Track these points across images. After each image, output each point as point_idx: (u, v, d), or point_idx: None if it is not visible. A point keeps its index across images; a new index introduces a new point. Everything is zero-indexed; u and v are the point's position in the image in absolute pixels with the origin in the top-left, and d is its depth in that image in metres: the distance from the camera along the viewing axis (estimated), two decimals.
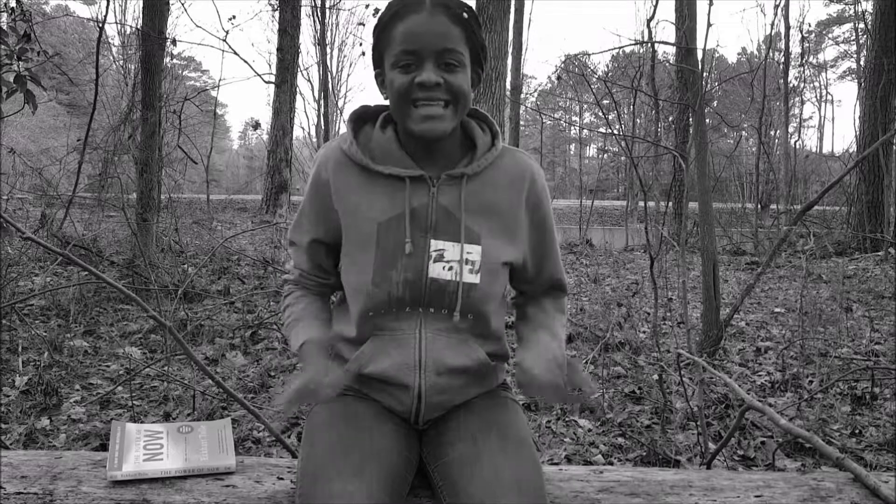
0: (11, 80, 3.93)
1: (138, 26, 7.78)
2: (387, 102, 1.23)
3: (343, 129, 1.51)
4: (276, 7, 14.45)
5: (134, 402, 3.04)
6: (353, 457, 1.11)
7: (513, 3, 6.37)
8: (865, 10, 16.51)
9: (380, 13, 1.20)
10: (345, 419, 1.21)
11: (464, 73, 1.17)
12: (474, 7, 5.56)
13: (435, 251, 1.21)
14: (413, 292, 1.21)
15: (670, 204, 10.09)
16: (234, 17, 9.94)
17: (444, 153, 1.24)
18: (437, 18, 1.14)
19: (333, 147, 1.27)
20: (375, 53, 1.23)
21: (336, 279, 1.35)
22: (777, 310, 5.35)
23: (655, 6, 5.11)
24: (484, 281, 1.23)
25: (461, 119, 1.21)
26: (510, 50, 8.43)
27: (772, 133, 23.37)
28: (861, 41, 24.72)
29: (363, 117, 1.29)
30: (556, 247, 1.36)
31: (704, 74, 4.20)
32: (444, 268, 1.21)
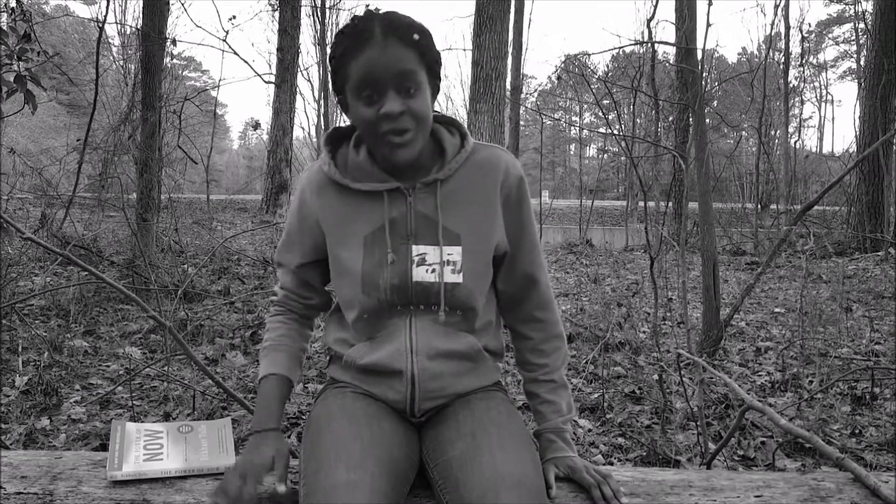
0: (11, 80, 3.93)
1: (138, 26, 7.79)
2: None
3: None
4: (276, 7, 14.47)
5: (134, 402, 3.04)
6: (355, 449, 1.13)
7: (513, 3, 6.37)
8: (865, 10, 16.52)
9: (332, 47, 1.21)
10: (345, 415, 1.23)
11: (423, 96, 1.19)
12: (474, 7, 5.57)
13: (417, 256, 1.26)
14: (401, 295, 1.26)
15: (670, 204, 10.09)
16: (234, 17, 9.96)
17: (417, 163, 1.27)
18: (391, 48, 1.15)
19: (315, 170, 1.33)
20: (335, 85, 1.24)
21: (321, 299, 1.42)
22: (777, 310, 5.35)
23: (655, 6, 5.11)
24: (467, 279, 1.26)
25: (426, 138, 1.23)
26: (510, 50, 8.43)
27: (772, 133, 23.37)
28: (861, 41, 24.74)
29: (338, 139, 1.34)
30: (534, 240, 1.35)
31: (704, 74, 4.21)
32: (426, 270, 1.26)
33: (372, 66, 1.15)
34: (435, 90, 1.26)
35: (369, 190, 1.27)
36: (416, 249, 1.26)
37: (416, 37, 1.18)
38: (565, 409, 1.36)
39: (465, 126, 1.34)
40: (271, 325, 1.41)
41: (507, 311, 1.41)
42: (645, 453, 2.58)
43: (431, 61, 1.21)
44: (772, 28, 23.24)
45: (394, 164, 1.22)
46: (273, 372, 1.34)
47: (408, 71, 1.16)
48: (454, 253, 1.26)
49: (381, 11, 1.19)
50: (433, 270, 1.26)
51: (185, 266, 5.97)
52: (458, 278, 1.26)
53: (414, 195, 1.27)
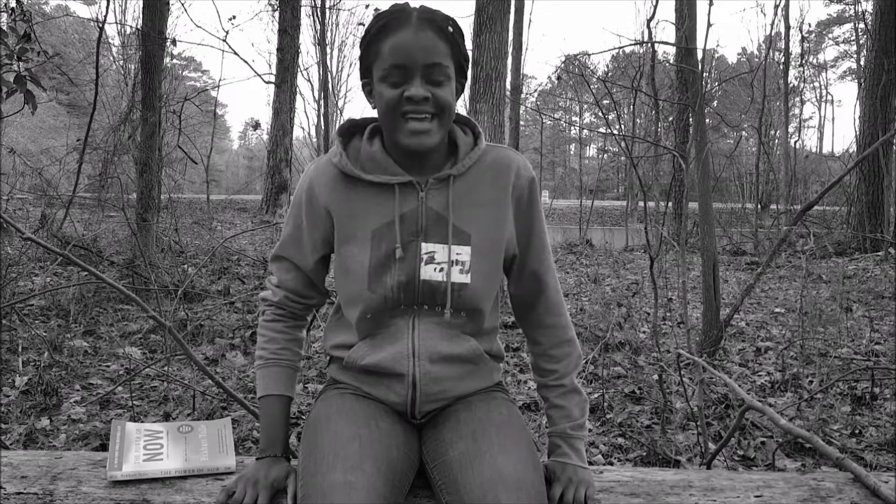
0: (11, 80, 3.93)
1: (138, 26, 7.79)
2: (374, 113, 1.27)
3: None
4: (276, 7, 14.44)
5: (134, 402, 3.04)
6: (353, 450, 1.13)
7: (513, 3, 6.36)
8: (865, 10, 16.51)
9: (367, 25, 1.23)
10: (344, 416, 1.23)
11: (449, 87, 1.20)
12: (474, 7, 5.56)
13: (426, 253, 1.25)
14: (407, 293, 1.25)
15: (670, 204, 10.09)
16: (234, 17, 9.96)
17: (430, 158, 1.27)
18: (424, 33, 1.16)
19: (324, 162, 1.31)
20: (363, 64, 1.25)
21: (321, 298, 1.39)
22: (777, 310, 5.35)
23: (655, 6, 5.09)
24: (475, 280, 1.25)
25: (445, 132, 1.23)
26: (510, 50, 8.42)
27: (772, 133, 23.36)
28: (861, 41, 24.71)
29: (351, 130, 1.33)
30: (544, 242, 1.34)
31: (704, 74, 4.20)
32: (435, 269, 1.24)
33: (403, 49, 1.16)
34: (460, 87, 1.26)
35: (380, 182, 1.25)
36: (426, 247, 1.25)
37: (450, 29, 1.19)
38: (576, 414, 1.33)
39: (478, 126, 1.33)
40: (269, 334, 1.36)
41: (519, 316, 1.40)
42: (645, 453, 2.58)
43: (461, 57, 1.22)
44: (772, 28, 23.25)
45: (409, 151, 1.21)
46: (274, 392, 1.33)
47: (438, 63, 1.17)
48: (463, 253, 1.25)
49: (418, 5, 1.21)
50: (441, 269, 1.24)
51: (185, 266, 5.97)
52: (466, 279, 1.25)
53: (426, 190, 1.26)
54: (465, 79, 1.27)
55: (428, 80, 1.17)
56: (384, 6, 1.20)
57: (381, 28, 1.19)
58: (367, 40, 1.21)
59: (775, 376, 3.48)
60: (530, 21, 18.40)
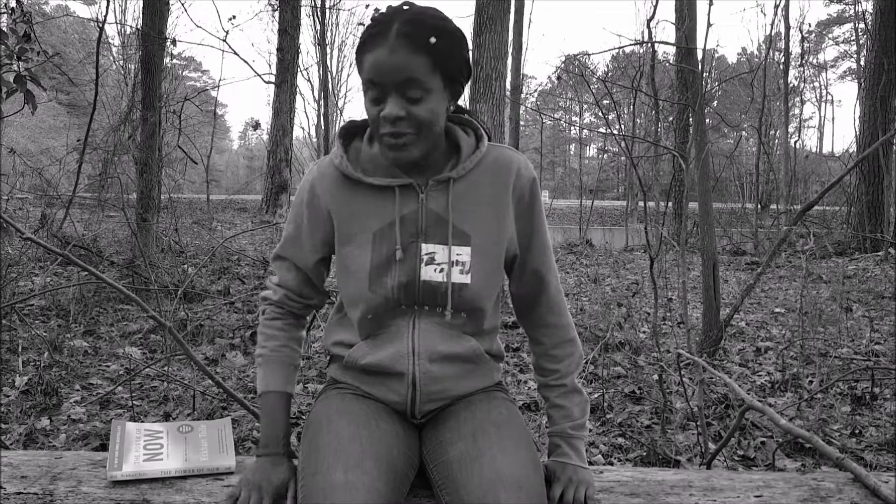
0: (11, 80, 3.93)
1: (138, 26, 7.79)
2: None
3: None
4: (276, 7, 14.45)
5: (134, 402, 3.04)
6: (354, 450, 1.13)
7: (513, 3, 6.36)
8: (865, 10, 16.53)
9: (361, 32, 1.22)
10: (345, 416, 1.23)
11: (429, 101, 1.16)
12: (474, 7, 5.56)
13: (426, 254, 1.25)
14: (407, 294, 1.25)
15: (670, 204, 10.09)
16: (234, 17, 9.96)
17: (430, 161, 1.26)
18: (398, 52, 1.12)
19: (326, 163, 1.31)
20: (358, 67, 1.24)
21: (320, 298, 1.40)
22: (777, 310, 5.35)
23: (655, 6, 5.08)
24: (475, 280, 1.25)
25: (433, 141, 1.21)
26: (510, 50, 8.42)
27: (772, 133, 23.38)
28: (861, 41, 24.74)
29: (351, 132, 1.32)
30: (545, 242, 1.34)
31: (704, 74, 4.21)
32: (435, 270, 1.25)
33: (378, 68, 1.13)
34: (455, 94, 1.23)
35: (381, 185, 1.25)
36: (426, 248, 1.25)
37: (432, 40, 1.13)
38: (577, 414, 1.33)
39: (481, 128, 1.32)
40: (268, 332, 1.36)
41: (521, 315, 1.40)
42: (645, 453, 2.58)
43: (449, 66, 1.17)
44: (772, 28, 23.25)
45: (392, 163, 1.22)
46: (275, 389, 1.33)
47: (412, 79, 1.13)
48: (463, 253, 1.25)
49: (411, 8, 1.16)
50: (441, 270, 1.24)
51: (185, 266, 5.97)
52: (467, 279, 1.25)
53: (426, 192, 1.26)
54: (461, 82, 1.23)
55: (404, 97, 1.14)
56: (384, 6, 1.19)
57: (364, 41, 1.17)
58: (357, 48, 1.21)
59: (775, 376, 3.48)
60: (530, 21, 18.43)
